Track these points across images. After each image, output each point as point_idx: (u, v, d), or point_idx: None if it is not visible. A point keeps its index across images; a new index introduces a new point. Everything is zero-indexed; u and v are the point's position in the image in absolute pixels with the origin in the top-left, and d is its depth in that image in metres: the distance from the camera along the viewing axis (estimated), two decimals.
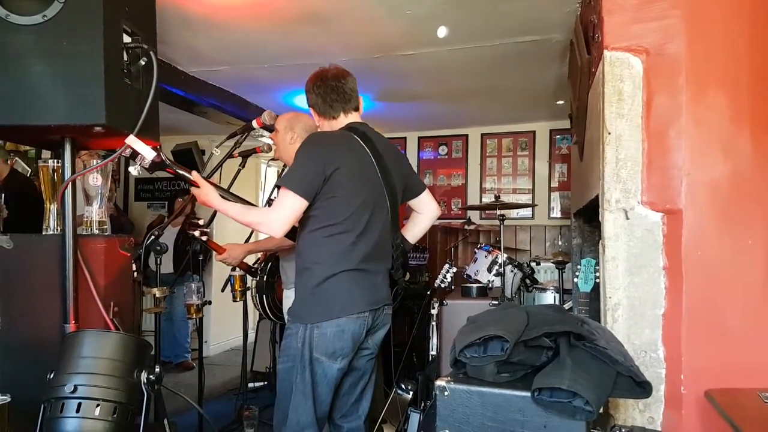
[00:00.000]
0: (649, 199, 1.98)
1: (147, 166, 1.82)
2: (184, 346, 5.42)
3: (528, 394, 1.44)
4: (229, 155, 2.80)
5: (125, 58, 1.75)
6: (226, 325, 5.81)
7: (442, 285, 3.19)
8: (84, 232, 1.95)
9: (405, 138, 6.13)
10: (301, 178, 1.97)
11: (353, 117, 2.22)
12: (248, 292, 3.25)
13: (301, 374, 1.99)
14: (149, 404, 1.64)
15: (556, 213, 5.61)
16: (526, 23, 3.12)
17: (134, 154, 1.78)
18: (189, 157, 3.41)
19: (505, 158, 5.82)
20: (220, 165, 2.74)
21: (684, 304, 1.91)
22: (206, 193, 2.04)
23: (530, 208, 5.59)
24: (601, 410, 1.44)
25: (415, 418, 2.53)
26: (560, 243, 5.53)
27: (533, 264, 4.16)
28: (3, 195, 2.54)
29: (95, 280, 1.85)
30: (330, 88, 2.17)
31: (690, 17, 1.95)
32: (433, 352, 2.86)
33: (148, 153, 1.79)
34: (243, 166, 2.96)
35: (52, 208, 1.93)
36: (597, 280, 2.14)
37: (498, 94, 4.64)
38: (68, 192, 1.80)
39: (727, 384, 1.81)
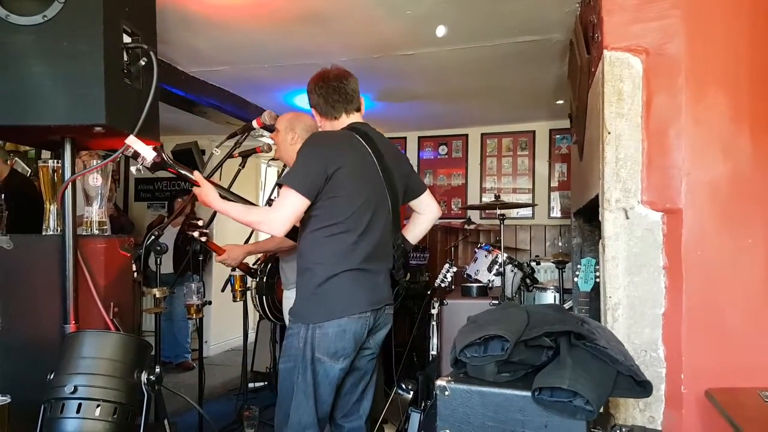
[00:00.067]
0: (649, 199, 1.98)
1: (148, 166, 1.82)
2: (185, 346, 5.42)
3: (528, 393, 1.44)
4: (229, 155, 2.80)
5: (125, 58, 1.75)
6: (226, 325, 5.81)
7: (443, 285, 3.19)
8: (84, 233, 1.95)
9: (405, 138, 6.13)
10: (303, 176, 1.97)
11: (355, 117, 2.22)
12: (248, 293, 3.25)
13: (303, 374, 1.99)
14: (149, 404, 1.64)
15: (556, 212, 5.61)
16: (525, 23, 3.12)
17: (136, 154, 1.78)
18: (189, 157, 3.41)
19: (505, 158, 5.82)
20: (220, 165, 2.74)
21: (684, 303, 1.91)
22: (206, 193, 2.04)
23: (530, 208, 5.59)
24: (601, 410, 1.44)
25: (415, 417, 2.53)
26: (560, 243, 5.53)
27: (533, 263, 4.17)
28: (3, 195, 2.54)
29: (95, 280, 1.85)
30: (332, 88, 2.17)
31: (690, 17, 1.95)
32: (434, 352, 2.86)
33: (148, 153, 1.79)
34: (243, 166, 2.96)
35: (52, 209, 1.93)
36: (597, 280, 2.14)
37: (498, 94, 4.64)
38: (68, 192, 1.80)
39: (727, 383, 1.81)
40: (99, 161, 1.92)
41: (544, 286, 4.07)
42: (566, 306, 3.46)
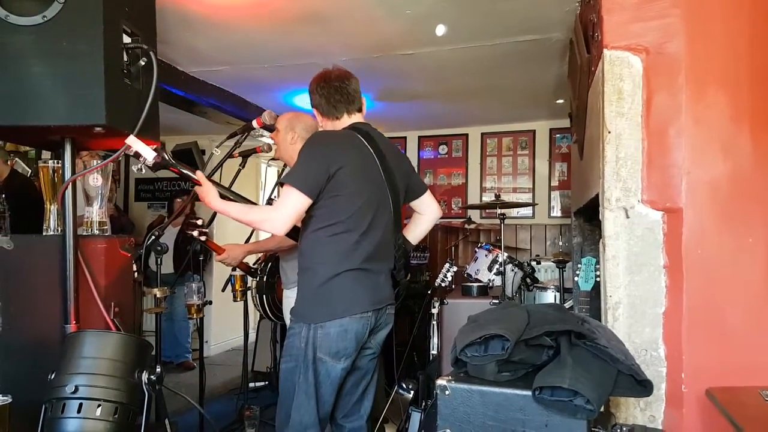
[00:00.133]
0: (649, 198, 1.98)
1: (150, 165, 1.83)
2: (185, 346, 5.42)
3: (529, 393, 1.44)
4: (230, 155, 2.80)
5: (125, 58, 1.75)
6: (226, 325, 5.81)
7: (443, 284, 3.19)
8: (84, 233, 1.95)
9: (405, 137, 6.13)
10: (305, 175, 1.97)
11: (356, 118, 2.23)
12: (248, 292, 3.25)
13: (304, 374, 1.99)
14: (150, 404, 1.65)
15: (557, 212, 5.61)
16: (525, 22, 3.12)
17: (138, 154, 1.78)
18: (189, 157, 3.41)
19: (505, 157, 5.82)
20: (220, 165, 2.74)
21: (684, 302, 1.91)
22: (207, 192, 2.04)
23: (530, 207, 5.58)
24: (602, 409, 1.44)
25: (416, 417, 2.53)
26: (561, 242, 5.53)
27: (534, 263, 4.17)
28: (3, 195, 2.54)
29: (96, 280, 1.85)
30: (334, 89, 2.18)
31: (690, 16, 1.95)
32: (434, 352, 2.86)
33: (148, 153, 1.79)
34: (243, 166, 2.96)
35: (52, 209, 1.93)
36: (597, 279, 2.14)
37: (498, 93, 4.64)
38: (68, 192, 1.81)
39: (728, 382, 1.81)
40: (99, 161, 1.92)
41: (544, 285, 4.07)
42: (567, 305, 3.46)
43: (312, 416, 1.99)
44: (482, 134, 5.87)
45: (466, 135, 5.94)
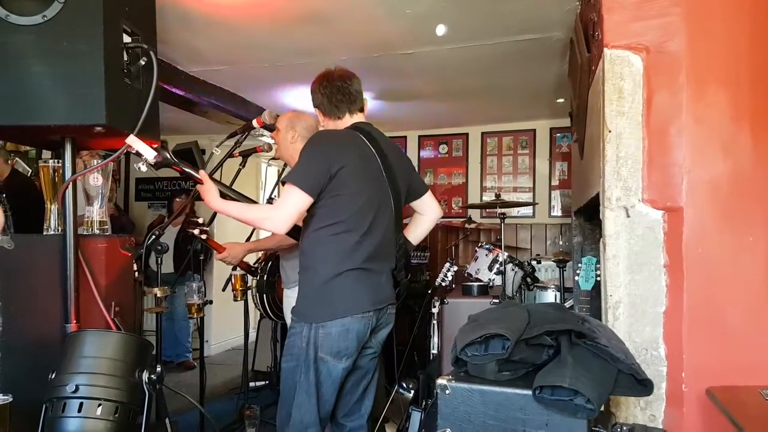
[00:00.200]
0: (649, 197, 1.98)
1: (153, 164, 1.83)
2: (185, 345, 5.42)
3: (529, 392, 1.44)
4: (230, 155, 2.80)
5: (125, 58, 1.75)
6: (227, 324, 5.81)
7: (443, 284, 3.19)
8: (85, 232, 1.96)
9: (405, 137, 6.13)
10: (306, 174, 1.97)
11: (358, 118, 2.23)
12: (249, 292, 3.25)
13: (305, 373, 1.99)
14: (151, 404, 1.65)
15: (557, 211, 5.61)
16: (526, 21, 3.12)
17: (139, 153, 1.78)
18: (189, 156, 3.39)
19: (505, 157, 5.82)
20: (220, 164, 2.74)
21: (685, 301, 1.91)
22: (207, 190, 2.04)
23: (531, 207, 5.58)
24: (602, 408, 1.44)
25: (416, 416, 2.54)
26: (561, 241, 5.53)
27: (534, 262, 4.18)
28: (4, 195, 2.54)
29: (96, 279, 1.85)
30: (336, 88, 2.18)
31: (690, 15, 1.95)
32: (434, 351, 2.86)
33: (148, 153, 1.79)
34: (243, 166, 2.96)
35: (52, 209, 1.93)
36: (598, 278, 2.14)
37: (498, 93, 4.63)
38: (69, 192, 1.81)
39: (728, 381, 1.81)
40: (99, 161, 1.92)
41: (544, 284, 4.07)
42: (567, 305, 3.46)
43: (313, 415, 1.99)
44: (482, 133, 5.87)
45: (467, 134, 5.94)
